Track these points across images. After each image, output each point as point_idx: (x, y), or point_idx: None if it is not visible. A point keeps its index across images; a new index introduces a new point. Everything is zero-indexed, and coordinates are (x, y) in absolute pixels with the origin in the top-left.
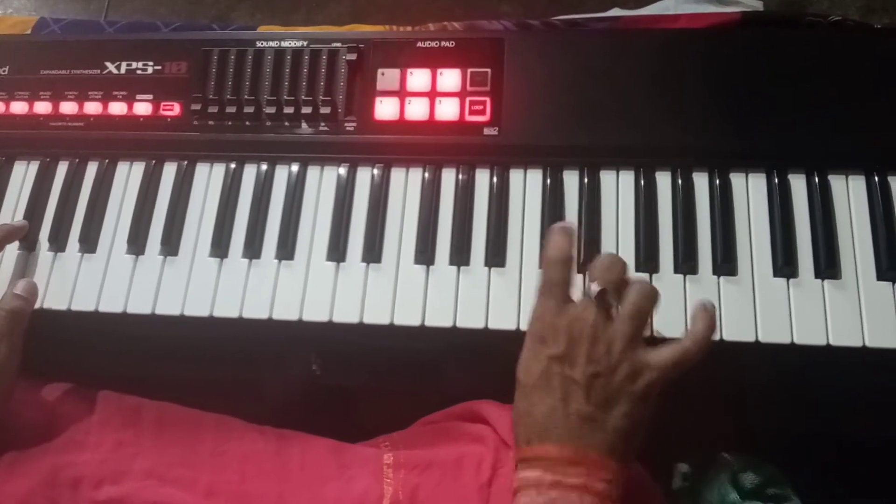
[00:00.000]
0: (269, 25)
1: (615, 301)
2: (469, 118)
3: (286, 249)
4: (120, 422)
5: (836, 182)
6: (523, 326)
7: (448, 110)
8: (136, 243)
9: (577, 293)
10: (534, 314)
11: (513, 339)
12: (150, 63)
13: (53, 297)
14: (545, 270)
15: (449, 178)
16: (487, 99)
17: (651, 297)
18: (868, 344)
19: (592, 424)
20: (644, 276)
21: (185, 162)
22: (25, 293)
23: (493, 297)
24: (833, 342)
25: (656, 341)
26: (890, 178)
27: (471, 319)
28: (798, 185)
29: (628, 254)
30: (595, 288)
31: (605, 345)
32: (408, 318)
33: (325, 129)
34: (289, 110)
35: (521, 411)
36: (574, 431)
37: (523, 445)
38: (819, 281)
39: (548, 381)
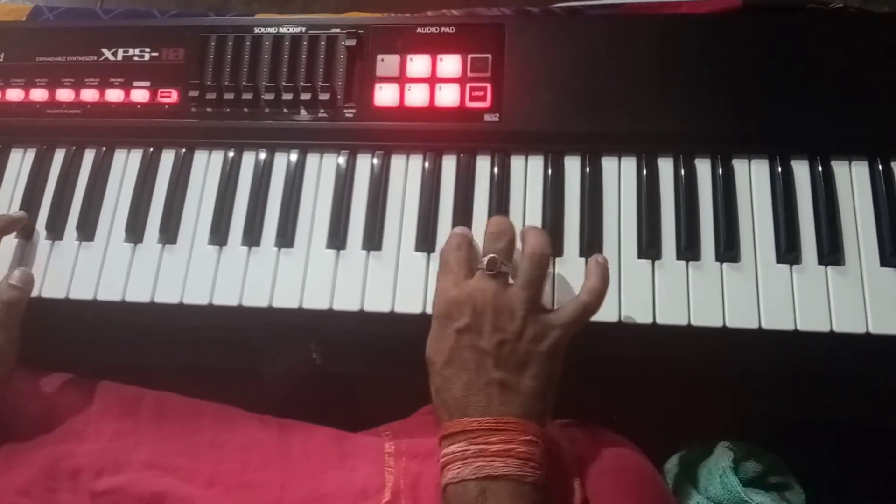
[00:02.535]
0: (267, 13)
1: (508, 267)
2: (470, 104)
3: (286, 237)
4: (119, 412)
5: (839, 168)
6: None
7: (448, 96)
8: (135, 231)
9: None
10: (435, 294)
11: None
12: (147, 50)
13: (51, 286)
14: (443, 252)
15: (449, 165)
16: (488, 85)
17: (543, 264)
18: (871, 330)
19: (507, 390)
20: (645, 263)
21: (184, 149)
22: (21, 283)
23: None
24: (836, 329)
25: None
26: (893, 164)
27: None
28: (801, 171)
29: (630, 241)
30: (485, 259)
31: (508, 312)
32: (408, 305)
33: (325, 115)
34: (287, 97)
35: (438, 389)
36: (491, 400)
37: (445, 422)
38: (822, 267)
39: (458, 354)
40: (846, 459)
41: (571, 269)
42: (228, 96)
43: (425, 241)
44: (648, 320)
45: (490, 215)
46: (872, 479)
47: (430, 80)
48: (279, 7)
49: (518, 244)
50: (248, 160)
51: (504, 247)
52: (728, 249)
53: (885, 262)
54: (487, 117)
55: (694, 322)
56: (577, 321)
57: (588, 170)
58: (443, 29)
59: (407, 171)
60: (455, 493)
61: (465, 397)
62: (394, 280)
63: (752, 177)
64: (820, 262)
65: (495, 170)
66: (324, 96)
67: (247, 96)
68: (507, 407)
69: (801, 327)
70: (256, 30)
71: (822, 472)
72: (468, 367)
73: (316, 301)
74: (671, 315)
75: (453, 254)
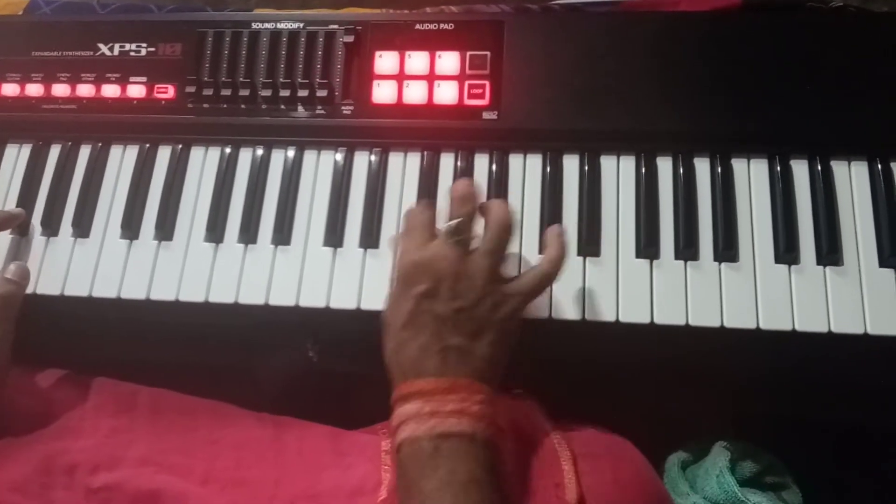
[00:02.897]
0: (264, 9)
1: (469, 234)
2: (468, 102)
3: (282, 234)
4: (115, 408)
5: (839, 168)
6: (524, 313)
7: (447, 94)
8: (130, 228)
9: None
10: (398, 257)
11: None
12: (144, 45)
13: (46, 283)
14: (408, 215)
15: (447, 162)
16: (487, 83)
17: (506, 231)
18: (870, 331)
19: (462, 355)
20: (643, 262)
21: (180, 145)
22: (17, 277)
23: None
24: (834, 329)
25: None
26: (892, 164)
27: None
28: (800, 171)
29: (629, 240)
30: (450, 223)
31: (468, 279)
32: None
33: (322, 112)
34: (285, 93)
35: (394, 350)
36: (446, 363)
37: (399, 382)
38: (821, 268)
39: (416, 318)
40: (843, 459)
41: (570, 268)
42: (225, 92)
43: None
44: (646, 320)
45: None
46: (869, 480)
47: (428, 77)
48: (277, 2)
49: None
50: (245, 157)
51: (468, 211)
52: (726, 249)
53: (883, 262)
54: (486, 115)
55: (692, 322)
56: (536, 290)
57: (587, 168)
58: (441, 26)
59: (405, 169)
60: (409, 452)
61: (420, 360)
62: (391, 278)
63: (751, 176)
64: (818, 263)
65: (493, 168)
66: (321, 93)
67: (244, 92)
68: (461, 369)
69: (799, 328)
70: (254, 25)
71: (819, 472)
72: (425, 331)
73: (312, 299)
74: (669, 315)
75: (418, 216)
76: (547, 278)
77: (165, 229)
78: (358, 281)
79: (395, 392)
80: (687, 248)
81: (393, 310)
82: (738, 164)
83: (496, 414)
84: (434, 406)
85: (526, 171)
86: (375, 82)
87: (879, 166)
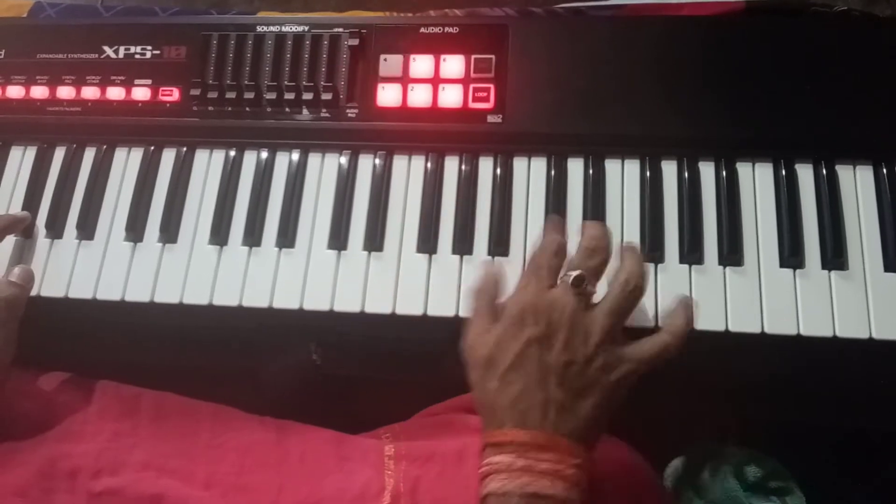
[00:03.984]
0: (268, 12)
1: (594, 287)
2: (473, 105)
3: (287, 237)
4: (118, 412)
5: (844, 172)
6: None
7: (451, 97)
8: (135, 230)
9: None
10: (515, 294)
11: None
12: (149, 48)
13: (50, 285)
14: (535, 255)
15: (452, 166)
16: (491, 86)
17: (635, 296)
18: (875, 336)
19: (564, 411)
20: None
21: (185, 148)
22: (21, 280)
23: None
24: (839, 334)
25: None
26: None
27: None
28: (805, 175)
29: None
30: (573, 273)
31: (583, 335)
32: (410, 307)
33: (327, 115)
34: (290, 96)
35: (491, 391)
36: (546, 417)
37: (493, 429)
38: (826, 272)
39: (523, 362)
40: (847, 464)
41: None
42: (230, 95)
43: (427, 242)
44: (651, 324)
45: (492, 217)
46: (873, 485)
47: (433, 80)
48: (281, 4)
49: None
50: (250, 160)
51: (596, 265)
52: (731, 253)
53: (889, 267)
54: (490, 118)
55: (696, 326)
56: (654, 361)
57: (591, 172)
58: (446, 29)
59: (409, 172)
60: None
61: (519, 407)
62: (395, 281)
63: (756, 180)
64: (823, 267)
65: (498, 171)
66: (326, 96)
67: (249, 95)
68: (561, 426)
69: (804, 332)
70: (259, 28)
71: (822, 477)
72: (529, 378)
73: (316, 302)
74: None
75: (548, 259)
76: (667, 351)
77: (170, 232)
78: (362, 284)
79: (487, 436)
80: (692, 253)
81: (500, 348)
82: (743, 169)
83: (590, 480)
84: (527, 462)
85: (530, 174)
86: (380, 85)
87: (884, 170)
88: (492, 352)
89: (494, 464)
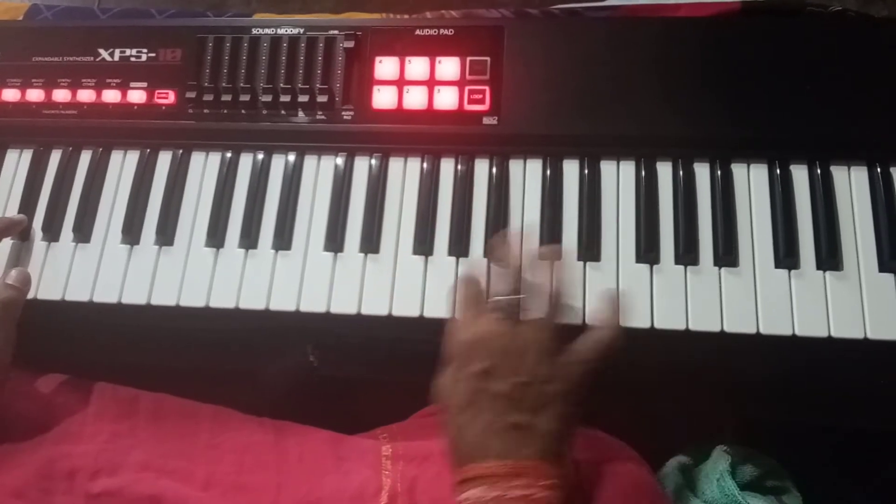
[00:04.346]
0: (265, 14)
1: (516, 307)
2: (468, 107)
3: (283, 239)
4: (116, 413)
5: (838, 173)
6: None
7: (447, 99)
8: (131, 233)
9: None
10: (449, 335)
11: None
12: (145, 50)
13: (47, 288)
14: (457, 295)
15: (448, 167)
16: (487, 88)
17: (563, 306)
18: (869, 336)
19: (526, 433)
20: (643, 267)
21: (181, 150)
22: (18, 283)
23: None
24: (834, 334)
25: None
26: (892, 169)
27: None
28: (800, 175)
29: (629, 245)
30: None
31: (523, 354)
32: (406, 308)
33: (323, 117)
34: (285, 98)
35: (454, 433)
36: (509, 444)
37: (461, 466)
38: (821, 272)
39: (475, 398)
40: (843, 464)
41: (570, 273)
42: (226, 97)
43: (423, 243)
44: (646, 325)
45: (488, 219)
46: (870, 484)
47: (428, 82)
48: (278, 6)
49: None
50: (246, 162)
51: (513, 287)
52: (726, 254)
53: (883, 267)
54: (486, 120)
55: (692, 327)
56: (596, 359)
57: (587, 173)
58: (441, 31)
59: (405, 174)
60: None
61: (482, 442)
62: (391, 283)
63: (751, 181)
64: (818, 268)
65: (494, 172)
66: (322, 98)
67: (244, 98)
68: (525, 450)
69: (799, 332)
70: (254, 31)
71: (819, 476)
72: (485, 412)
73: (313, 304)
74: (669, 319)
75: (465, 294)
76: (604, 343)
77: (166, 234)
78: (358, 286)
79: (458, 474)
80: (687, 253)
81: (449, 393)
82: (738, 169)
83: (566, 495)
84: (499, 491)
85: (526, 175)
86: (376, 87)
87: (879, 171)
88: (444, 396)
89: (467, 499)
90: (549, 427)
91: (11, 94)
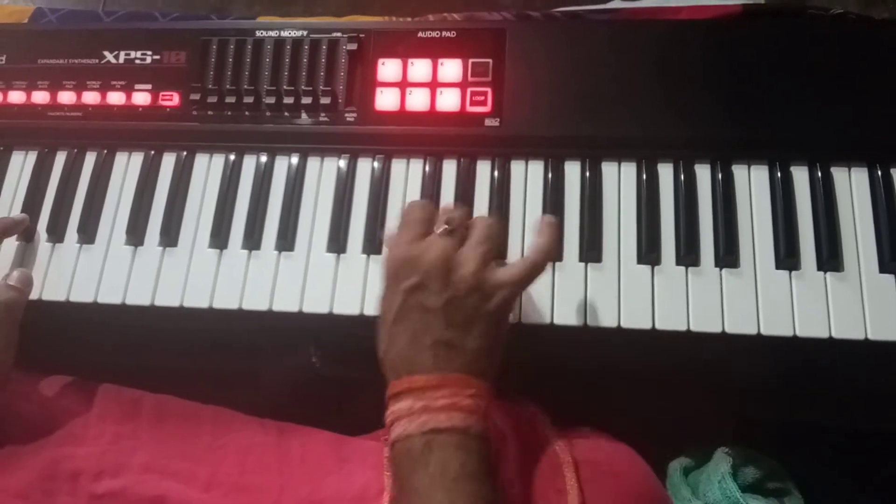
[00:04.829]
0: (268, 16)
1: (464, 230)
2: (470, 109)
3: (286, 241)
4: (119, 415)
5: (839, 174)
6: (523, 319)
7: (449, 101)
8: (135, 234)
9: None
10: (388, 251)
11: (516, 332)
12: (149, 53)
13: (51, 289)
14: (403, 213)
15: (450, 169)
16: (489, 90)
17: (496, 228)
18: (870, 337)
19: (453, 348)
20: (644, 268)
21: (185, 152)
22: (20, 284)
23: None
24: (835, 335)
25: None
26: (892, 170)
27: None
28: (800, 176)
29: (630, 246)
30: (449, 216)
31: (457, 270)
32: None
33: (326, 119)
34: (289, 101)
35: (386, 347)
36: (437, 358)
37: (392, 380)
38: (821, 273)
39: (406, 313)
40: (845, 465)
41: (571, 274)
42: (230, 99)
43: None
44: (648, 325)
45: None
46: (871, 485)
47: (430, 84)
48: (281, 9)
49: None
50: (249, 163)
51: (460, 214)
52: (727, 255)
53: (883, 268)
54: (488, 122)
55: (693, 327)
56: (526, 280)
57: (588, 174)
58: (444, 34)
59: (407, 176)
60: (402, 450)
61: (411, 355)
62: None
63: (752, 182)
64: (819, 269)
65: (496, 174)
66: (325, 100)
67: (248, 100)
68: (452, 364)
69: (800, 333)
70: (258, 33)
71: (820, 477)
72: (415, 326)
73: (316, 305)
74: (670, 320)
75: (415, 212)
76: (535, 267)
77: (170, 236)
78: (361, 287)
79: (388, 389)
80: (688, 254)
81: (383, 306)
82: (739, 171)
83: (490, 407)
84: (425, 402)
85: (528, 177)
86: (378, 89)
87: (879, 172)
88: (380, 310)
89: (395, 411)
90: (476, 343)
91: (17, 97)
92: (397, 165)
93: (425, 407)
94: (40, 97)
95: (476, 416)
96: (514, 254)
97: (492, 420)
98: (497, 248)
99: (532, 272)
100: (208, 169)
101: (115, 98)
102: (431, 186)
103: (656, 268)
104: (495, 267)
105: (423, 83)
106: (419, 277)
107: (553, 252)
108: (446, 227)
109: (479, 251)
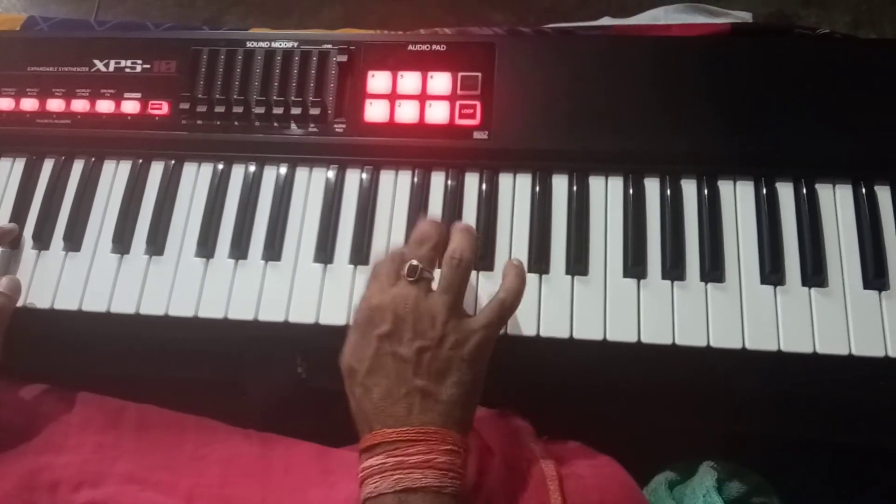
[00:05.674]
0: (261, 29)
1: (430, 275)
2: (459, 122)
3: (273, 250)
4: (100, 424)
5: (824, 190)
6: (511, 331)
7: (438, 114)
8: (122, 242)
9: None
10: (360, 301)
11: (502, 343)
12: (139, 61)
13: (36, 296)
14: (376, 261)
15: (438, 181)
16: (478, 103)
17: (462, 268)
18: (854, 352)
19: (427, 399)
20: (630, 282)
21: (173, 161)
22: (8, 290)
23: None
24: (819, 350)
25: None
26: (877, 187)
27: None
28: (786, 193)
29: (616, 259)
30: (411, 264)
31: (429, 318)
32: None
33: (315, 130)
34: (278, 111)
35: (358, 398)
36: (411, 410)
37: (365, 433)
38: (806, 289)
39: (379, 362)
40: (830, 480)
41: (558, 287)
42: (219, 109)
43: None
44: (633, 339)
45: (478, 233)
46: (856, 500)
47: (420, 97)
48: (274, 22)
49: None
50: (238, 173)
51: (426, 253)
52: (713, 269)
53: (868, 284)
54: (476, 135)
55: (678, 341)
56: (498, 322)
57: (575, 188)
58: (433, 47)
59: (395, 187)
60: None
61: (384, 408)
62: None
63: (738, 198)
64: (804, 284)
65: (483, 187)
66: (314, 111)
67: (237, 109)
68: (427, 416)
69: (784, 348)
70: (248, 44)
71: (805, 492)
72: (388, 376)
73: (302, 315)
74: (656, 334)
75: (384, 264)
76: (507, 309)
77: (157, 244)
78: (347, 297)
79: (361, 443)
80: (674, 268)
81: (356, 357)
82: (725, 186)
83: (466, 463)
84: (398, 458)
85: (515, 190)
86: (368, 101)
87: (864, 189)
88: (349, 361)
89: (367, 468)
90: (451, 393)
91: (6, 104)
92: (385, 177)
93: (398, 463)
94: (29, 104)
95: (451, 473)
96: (498, 268)
97: (476, 434)
98: (465, 283)
99: (503, 314)
100: (196, 178)
101: (105, 106)
102: (419, 198)
103: (642, 281)
104: (465, 313)
105: (412, 95)
106: (390, 325)
107: (520, 292)
108: (410, 269)
109: (444, 299)
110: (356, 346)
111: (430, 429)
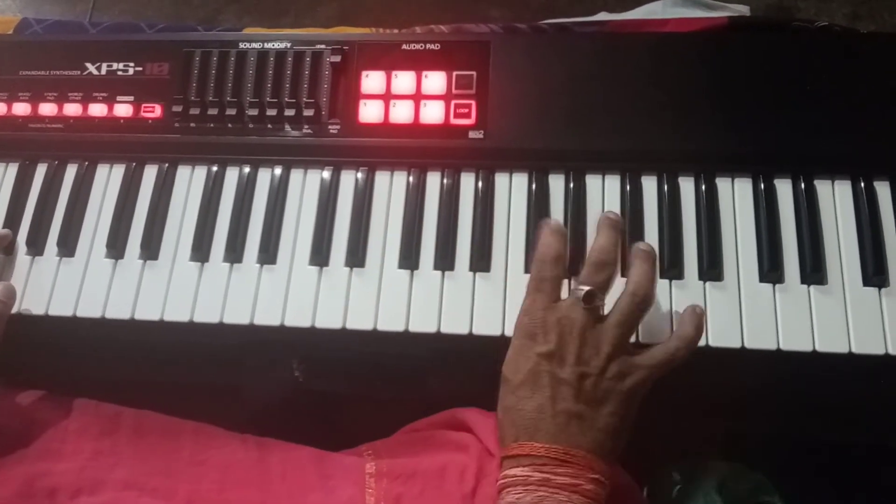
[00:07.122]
0: (255, 29)
1: (602, 301)
2: (454, 121)
3: (268, 254)
4: (98, 430)
5: (822, 187)
6: (508, 332)
7: (433, 113)
8: (116, 247)
9: (565, 291)
10: (523, 310)
11: (498, 345)
12: (131, 64)
13: (31, 301)
14: (536, 267)
15: (434, 181)
16: (473, 102)
17: (643, 308)
18: (854, 350)
19: (581, 423)
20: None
21: (167, 164)
22: (3, 297)
23: (477, 303)
24: (819, 348)
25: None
26: (876, 184)
27: (455, 325)
28: (784, 190)
29: None
30: (583, 289)
31: (594, 347)
32: (391, 323)
33: (309, 131)
34: (272, 112)
35: (509, 407)
36: (563, 429)
37: (510, 442)
38: (805, 286)
39: (536, 378)
40: (831, 478)
41: None
42: (212, 111)
43: (409, 258)
44: (631, 339)
45: (474, 233)
46: (858, 498)
47: (414, 96)
48: (270, 21)
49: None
50: (232, 175)
51: (604, 279)
52: (711, 268)
53: (867, 281)
54: (472, 134)
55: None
56: (665, 366)
57: (572, 187)
58: (428, 46)
59: (391, 188)
60: None
61: (536, 420)
62: (376, 297)
63: (736, 195)
64: (803, 282)
65: (479, 186)
66: (308, 112)
67: (231, 112)
68: (579, 439)
69: (783, 347)
70: (241, 45)
71: (807, 491)
72: (544, 392)
73: (298, 318)
74: (654, 334)
75: (550, 271)
76: (677, 356)
77: (151, 248)
78: (343, 300)
79: (504, 450)
80: (671, 267)
81: (512, 367)
82: (723, 184)
83: (608, 495)
84: (544, 475)
85: (512, 189)
86: (362, 101)
87: (863, 185)
88: (505, 370)
89: (511, 477)
90: (605, 422)
91: None
92: (381, 177)
93: (544, 480)
94: (21, 109)
95: (595, 503)
96: (495, 268)
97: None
98: (639, 321)
99: (672, 361)
100: (190, 181)
101: (97, 110)
102: (415, 199)
103: None
104: (632, 348)
105: (407, 95)
106: (554, 346)
107: (696, 343)
108: (587, 295)
109: (619, 332)
110: (514, 358)
111: (579, 452)
